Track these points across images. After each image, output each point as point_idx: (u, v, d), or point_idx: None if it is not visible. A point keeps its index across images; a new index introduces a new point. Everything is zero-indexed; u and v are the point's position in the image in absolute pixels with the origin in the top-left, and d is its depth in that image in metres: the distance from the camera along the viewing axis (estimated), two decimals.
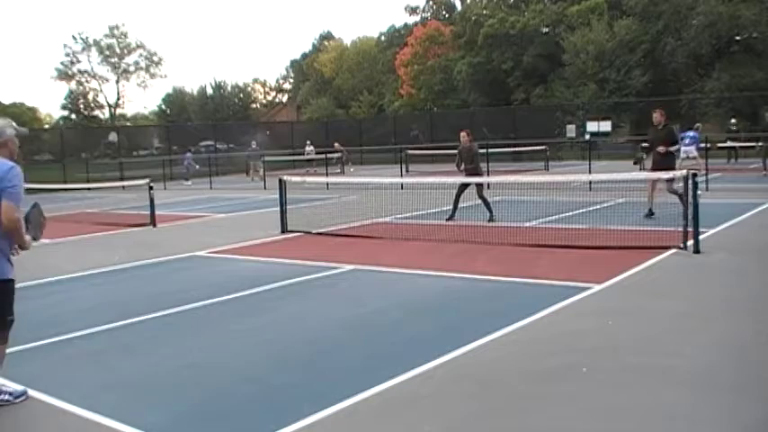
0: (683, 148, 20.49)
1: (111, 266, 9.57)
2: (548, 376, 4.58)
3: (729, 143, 24.78)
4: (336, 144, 32.37)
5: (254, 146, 30.54)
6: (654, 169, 11.11)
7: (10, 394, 4.54)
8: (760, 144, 20.75)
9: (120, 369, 5.18)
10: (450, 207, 12.42)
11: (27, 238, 4.45)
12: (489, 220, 11.88)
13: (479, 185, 12.52)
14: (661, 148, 11.06)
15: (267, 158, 28.06)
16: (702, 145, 20.21)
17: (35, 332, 6.17)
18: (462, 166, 12.63)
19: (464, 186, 12.45)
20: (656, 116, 11.62)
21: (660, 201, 10.90)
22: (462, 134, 12.69)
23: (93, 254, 10.89)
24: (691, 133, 20.82)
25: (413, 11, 56.66)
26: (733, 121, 26.69)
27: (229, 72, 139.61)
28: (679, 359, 4.80)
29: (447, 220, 12.27)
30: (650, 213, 11.28)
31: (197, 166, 31.21)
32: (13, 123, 4.61)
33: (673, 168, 10.91)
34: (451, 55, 44.98)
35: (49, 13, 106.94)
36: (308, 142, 34.24)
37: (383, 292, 7.31)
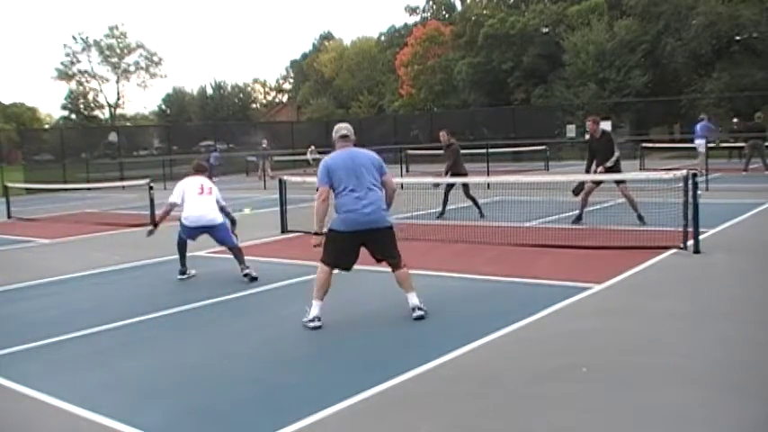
0: (696, 141, 20.52)
1: (111, 266, 9.58)
2: (548, 376, 4.58)
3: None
4: None
5: (264, 145, 30.03)
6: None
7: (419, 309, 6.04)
8: (748, 143, 20.66)
9: (120, 369, 5.18)
10: (441, 206, 12.72)
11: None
12: (480, 217, 12.17)
13: (465, 185, 12.67)
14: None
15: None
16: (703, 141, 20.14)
17: (35, 332, 6.18)
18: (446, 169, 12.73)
19: (450, 185, 12.69)
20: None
21: (659, 201, 10.88)
22: (441, 133, 12.92)
23: (93, 254, 10.88)
24: (698, 126, 20.75)
25: (413, 11, 56.67)
26: (735, 120, 26.64)
27: (229, 72, 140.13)
28: (679, 359, 4.80)
29: (437, 218, 12.50)
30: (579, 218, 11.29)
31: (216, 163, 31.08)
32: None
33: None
34: (451, 55, 44.90)
35: (49, 13, 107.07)
36: (312, 148, 34.11)
37: (383, 292, 7.29)
